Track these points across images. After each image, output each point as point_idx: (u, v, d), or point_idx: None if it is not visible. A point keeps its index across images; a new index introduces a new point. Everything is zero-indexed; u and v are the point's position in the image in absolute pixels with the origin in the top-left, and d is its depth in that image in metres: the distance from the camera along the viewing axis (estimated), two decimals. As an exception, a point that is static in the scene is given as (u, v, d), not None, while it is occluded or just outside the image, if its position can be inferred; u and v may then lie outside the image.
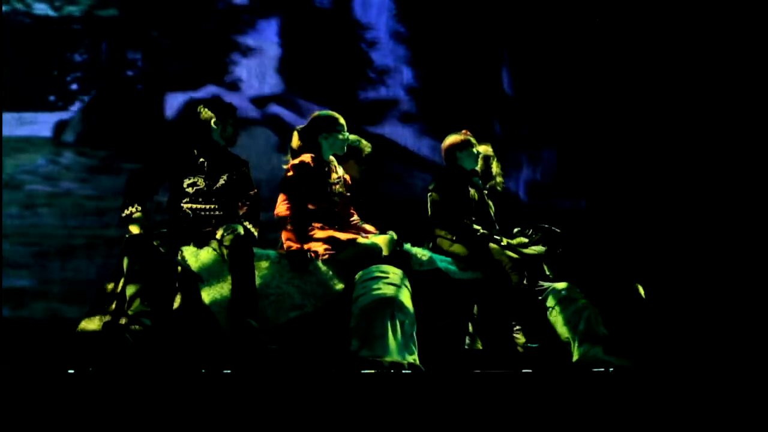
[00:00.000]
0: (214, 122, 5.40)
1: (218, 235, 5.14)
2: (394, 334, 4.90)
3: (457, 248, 5.60)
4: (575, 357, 5.34)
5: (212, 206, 5.29)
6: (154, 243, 5.05)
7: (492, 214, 5.89)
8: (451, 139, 5.86)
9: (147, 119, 7.37)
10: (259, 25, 7.64)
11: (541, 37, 7.89)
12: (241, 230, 5.17)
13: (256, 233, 5.30)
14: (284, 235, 5.37)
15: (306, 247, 5.27)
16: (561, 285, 5.55)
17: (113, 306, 5.05)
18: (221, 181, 5.34)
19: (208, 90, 7.37)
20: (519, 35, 7.89)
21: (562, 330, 5.41)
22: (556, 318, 5.45)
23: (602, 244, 7.11)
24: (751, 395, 4.67)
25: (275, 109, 7.52)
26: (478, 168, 5.92)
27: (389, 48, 7.77)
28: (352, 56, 7.71)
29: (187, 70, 7.45)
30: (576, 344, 5.36)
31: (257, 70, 7.56)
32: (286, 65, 7.61)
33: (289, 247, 5.30)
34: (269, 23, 7.63)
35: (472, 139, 5.84)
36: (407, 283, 5.11)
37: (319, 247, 5.27)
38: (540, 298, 5.53)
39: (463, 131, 5.87)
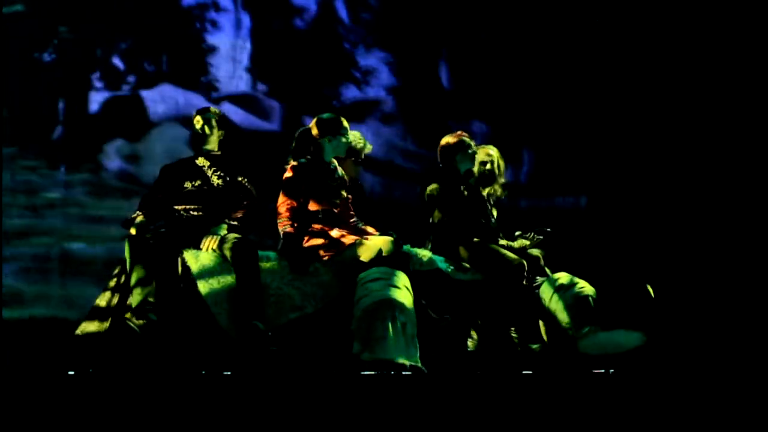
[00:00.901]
0: (201, 128, 5.52)
1: (203, 244, 5.17)
2: (395, 336, 4.90)
3: (460, 250, 5.60)
4: (580, 341, 5.33)
5: (199, 208, 5.32)
6: (157, 242, 5.09)
7: (493, 215, 5.88)
8: (449, 141, 5.81)
9: (69, 117, 7.28)
10: (222, 23, 7.58)
11: (523, 33, 7.84)
12: (223, 231, 5.24)
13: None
14: (284, 237, 5.37)
15: (306, 248, 5.28)
16: (555, 275, 5.55)
17: (116, 302, 5.08)
18: (209, 185, 5.37)
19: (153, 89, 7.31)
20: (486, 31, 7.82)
21: (562, 316, 5.41)
22: (557, 305, 5.45)
23: (603, 246, 7.11)
24: (751, 395, 4.67)
25: (225, 106, 7.45)
26: (477, 170, 5.90)
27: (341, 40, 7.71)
28: (305, 52, 7.65)
29: (157, 68, 7.40)
30: (576, 328, 5.36)
31: (224, 70, 7.51)
32: (254, 63, 7.57)
33: (289, 248, 5.30)
34: (235, 21, 7.58)
35: (471, 141, 5.81)
36: (408, 285, 5.11)
37: (319, 249, 5.27)
38: (536, 292, 5.54)
39: (459, 132, 5.84)
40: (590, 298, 5.42)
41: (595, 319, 5.34)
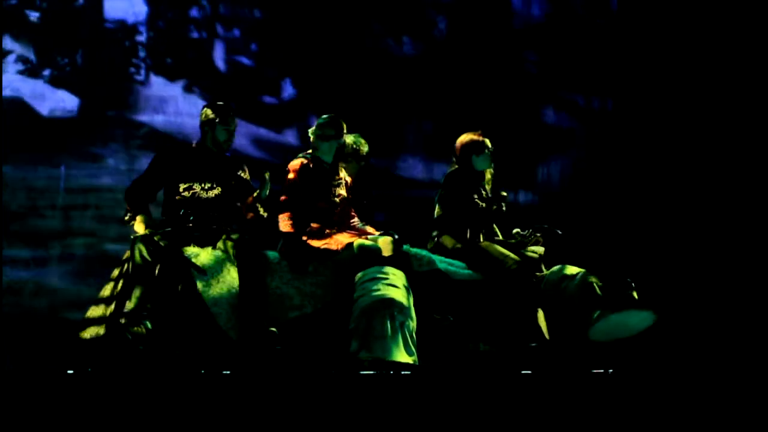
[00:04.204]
0: (203, 127, 5.40)
1: (219, 245, 5.17)
2: (394, 335, 4.91)
3: (446, 240, 5.60)
4: (590, 328, 5.30)
5: (209, 207, 5.29)
6: (161, 243, 5.06)
7: (494, 216, 5.86)
8: (467, 139, 5.79)
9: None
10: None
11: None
12: (235, 236, 5.23)
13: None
14: (284, 237, 5.38)
15: (305, 248, 5.29)
16: (555, 268, 5.54)
17: (113, 306, 5.06)
18: (217, 184, 5.33)
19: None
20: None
21: (570, 305, 5.37)
22: (562, 296, 5.41)
23: (601, 245, 7.11)
24: (751, 394, 4.67)
25: (60, 93, 7.26)
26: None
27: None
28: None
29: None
30: (587, 315, 5.32)
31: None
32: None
33: (289, 248, 5.31)
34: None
35: (487, 141, 5.79)
36: (407, 284, 5.12)
37: (319, 249, 5.28)
38: (539, 286, 5.53)
39: (477, 131, 5.80)
40: (595, 284, 5.39)
41: (604, 303, 5.30)
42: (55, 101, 7.09)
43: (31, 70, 7.10)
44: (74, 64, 7.17)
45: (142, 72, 7.28)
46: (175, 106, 7.27)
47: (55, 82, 7.14)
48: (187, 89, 7.31)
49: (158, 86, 7.28)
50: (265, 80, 7.47)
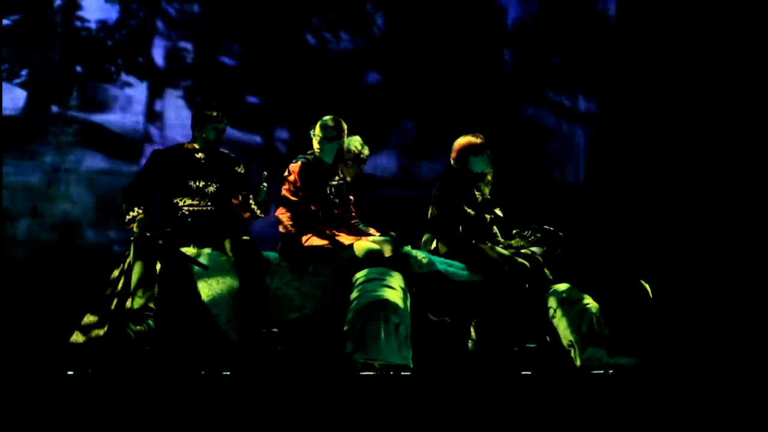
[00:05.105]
0: (194, 127, 5.43)
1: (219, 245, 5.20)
2: (388, 337, 4.91)
3: (440, 247, 5.62)
4: (578, 361, 5.33)
5: (207, 207, 5.29)
6: (160, 242, 5.06)
7: (493, 216, 5.87)
8: (466, 141, 5.80)
9: None
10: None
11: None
12: (236, 236, 5.24)
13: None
14: (284, 237, 5.38)
15: (305, 248, 5.29)
16: (562, 287, 5.54)
17: (113, 306, 5.06)
18: (213, 183, 5.34)
19: None
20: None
21: (565, 333, 5.40)
22: (559, 321, 5.44)
23: (601, 244, 7.11)
24: (751, 396, 4.67)
25: None
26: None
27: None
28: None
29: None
30: (579, 347, 5.34)
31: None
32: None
33: (289, 248, 5.31)
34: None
35: (485, 142, 5.80)
36: (405, 286, 5.11)
37: (319, 249, 5.28)
38: (542, 299, 5.53)
39: (476, 134, 5.82)
40: (594, 317, 5.40)
41: (599, 341, 5.33)
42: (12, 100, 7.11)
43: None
44: (47, 63, 7.18)
45: (113, 71, 7.29)
46: (141, 106, 7.27)
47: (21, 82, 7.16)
48: (153, 90, 7.32)
49: (125, 85, 7.29)
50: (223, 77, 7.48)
